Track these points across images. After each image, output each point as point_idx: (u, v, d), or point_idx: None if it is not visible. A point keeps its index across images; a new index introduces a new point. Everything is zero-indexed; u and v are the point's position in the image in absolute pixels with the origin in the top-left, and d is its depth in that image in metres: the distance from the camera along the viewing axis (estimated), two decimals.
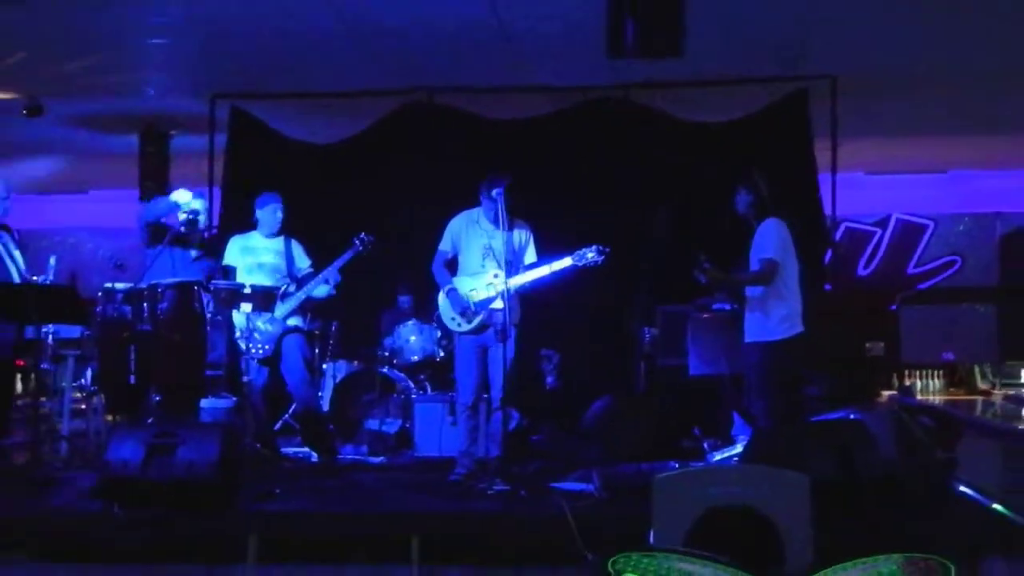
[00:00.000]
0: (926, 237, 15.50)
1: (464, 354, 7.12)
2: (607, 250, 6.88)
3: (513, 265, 6.99)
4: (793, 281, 6.98)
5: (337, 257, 7.88)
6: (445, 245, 7.21)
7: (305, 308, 7.94)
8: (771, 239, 6.91)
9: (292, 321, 7.85)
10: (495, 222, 7.03)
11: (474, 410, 7.07)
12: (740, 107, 10.20)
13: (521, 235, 7.09)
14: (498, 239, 7.03)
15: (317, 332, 8.92)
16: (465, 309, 7.02)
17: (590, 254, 6.87)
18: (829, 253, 10.96)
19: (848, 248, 15.04)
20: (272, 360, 7.84)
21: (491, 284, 6.98)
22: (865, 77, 10.02)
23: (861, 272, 15.43)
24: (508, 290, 6.80)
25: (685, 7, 6.72)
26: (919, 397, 13.52)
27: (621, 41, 6.77)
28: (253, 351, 7.71)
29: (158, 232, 7.43)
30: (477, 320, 7.01)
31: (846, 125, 10.13)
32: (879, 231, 15.57)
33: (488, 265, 7.04)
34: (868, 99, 10.48)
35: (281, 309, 7.75)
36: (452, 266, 7.23)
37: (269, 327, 7.73)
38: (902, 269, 15.45)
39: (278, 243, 7.99)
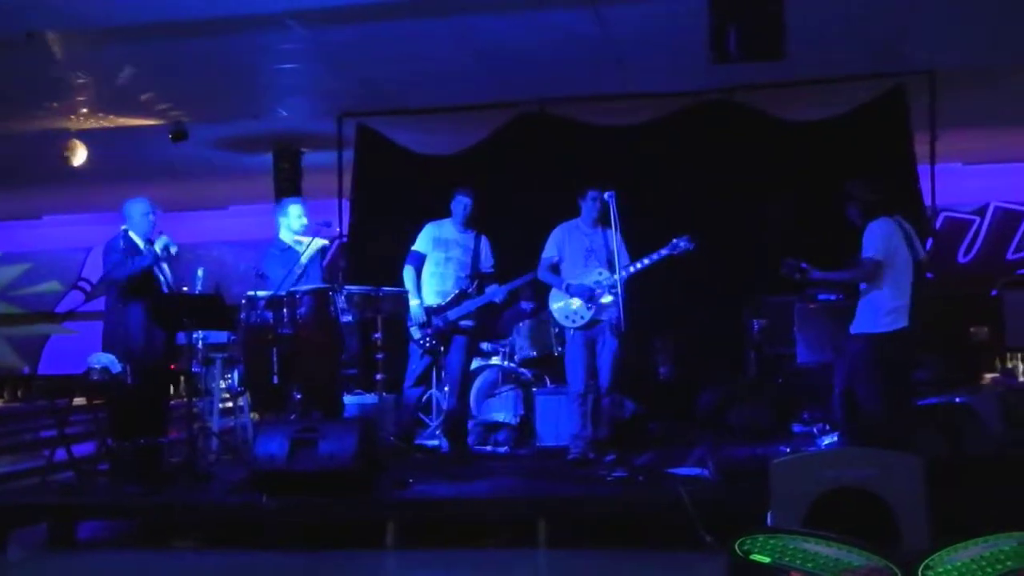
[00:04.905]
0: None
1: (574, 347, 7.40)
2: (695, 239, 7.13)
3: (613, 264, 7.24)
4: (902, 276, 6.76)
5: (513, 279, 7.90)
6: (550, 252, 7.53)
7: (480, 311, 7.95)
8: (871, 240, 6.75)
9: (464, 321, 7.86)
10: (593, 225, 7.42)
11: (584, 397, 7.33)
12: (840, 104, 9.97)
13: (615, 236, 7.24)
14: (598, 240, 7.37)
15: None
16: (591, 292, 7.27)
17: (682, 244, 7.16)
18: (930, 242, 10.68)
19: (948, 236, 14.63)
20: (434, 352, 7.90)
21: (598, 281, 7.29)
22: (962, 70, 9.73)
23: (961, 260, 14.99)
24: (620, 286, 6.91)
25: (785, 10, 6.58)
26: (1022, 379, 13.08)
27: (724, 47, 6.66)
28: (422, 342, 7.79)
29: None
30: (590, 315, 7.26)
31: (943, 117, 9.82)
32: (978, 219, 15.11)
33: (591, 265, 7.38)
34: (965, 91, 10.17)
35: (457, 310, 7.80)
36: (556, 272, 7.50)
37: (441, 323, 7.78)
38: (1001, 255, 14.96)
39: (469, 239, 7.93)
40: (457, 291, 7.80)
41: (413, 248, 7.91)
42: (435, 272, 7.83)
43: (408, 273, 7.83)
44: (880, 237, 6.72)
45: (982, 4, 8.29)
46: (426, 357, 7.91)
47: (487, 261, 7.96)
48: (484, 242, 7.99)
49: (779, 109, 10.13)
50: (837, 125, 9.96)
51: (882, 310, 6.71)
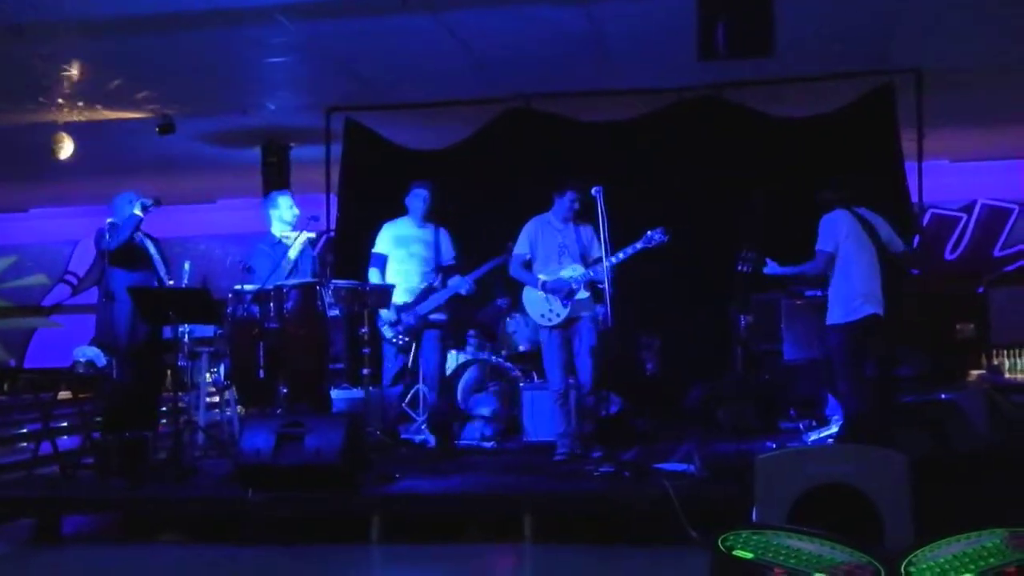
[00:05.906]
0: (1011, 221, 15.06)
1: (551, 346, 7.31)
2: (670, 231, 7.04)
3: (586, 259, 7.23)
4: (865, 266, 6.79)
5: (483, 263, 7.92)
6: (522, 248, 7.41)
7: (450, 304, 7.94)
8: (821, 233, 6.87)
9: (434, 315, 7.87)
10: (564, 221, 7.33)
11: (565, 396, 7.28)
12: (829, 102, 10.00)
13: (587, 232, 7.26)
14: (570, 236, 7.30)
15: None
16: (568, 289, 7.19)
17: (656, 236, 7.06)
18: (917, 239, 10.71)
19: (935, 233, 14.67)
20: (408, 348, 7.91)
21: (572, 277, 7.20)
22: (949, 69, 9.76)
23: (948, 256, 15.04)
24: (607, 281, 6.87)
25: (774, 8, 6.59)
26: (1008, 376, 13.12)
27: (712, 44, 6.68)
28: (395, 340, 7.79)
29: None
30: (567, 313, 7.18)
31: (931, 114, 9.87)
32: (965, 216, 15.17)
33: (564, 261, 7.28)
34: (953, 89, 10.20)
35: (425, 305, 7.80)
36: (528, 268, 7.41)
37: (411, 320, 7.80)
38: (988, 252, 15.03)
39: (428, 233, 7.94)
40: (424, 286, 7.81)
41: (374, 251, 7.94)
42: (399, 270, 7.84)
43: (373, 276, 7.85)
44: (828, 230, 6.83)
45: (969, 3, 8.31)
46: (400, 356, 7.92)
47: (448, 254, 7.97)
48: (444, 234, 8.00)
49: (767, 106, 10.16)
50: (825, 122, 9.99)
51: (847, 298, 6.77)
